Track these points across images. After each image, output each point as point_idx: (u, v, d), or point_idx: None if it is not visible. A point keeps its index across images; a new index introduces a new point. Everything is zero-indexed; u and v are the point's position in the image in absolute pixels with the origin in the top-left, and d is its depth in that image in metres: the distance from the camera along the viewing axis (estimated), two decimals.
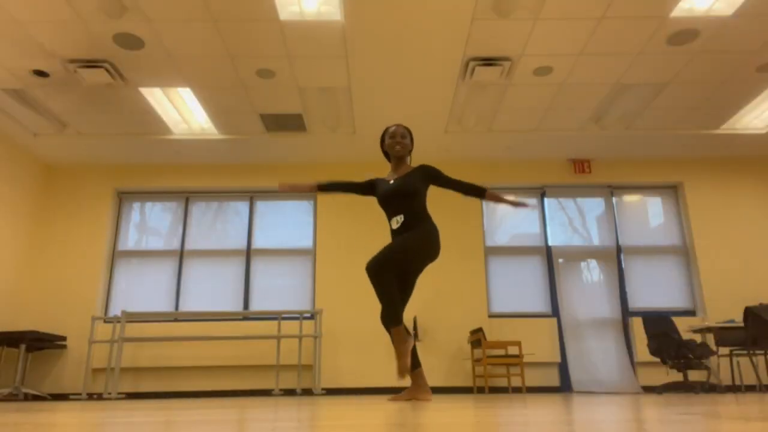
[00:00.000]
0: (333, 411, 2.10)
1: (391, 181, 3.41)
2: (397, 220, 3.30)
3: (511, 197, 3.39)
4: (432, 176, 3.39)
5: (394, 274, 3.15)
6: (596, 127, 6.60)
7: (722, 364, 6.58)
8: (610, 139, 6.85)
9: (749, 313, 5.24)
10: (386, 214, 3.41)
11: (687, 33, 4.85)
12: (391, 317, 3.09)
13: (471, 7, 4.49)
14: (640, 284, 7.08)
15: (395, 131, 3.48)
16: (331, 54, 5.11)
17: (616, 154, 7.29)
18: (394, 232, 3.34)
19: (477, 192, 3.35)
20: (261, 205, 7.42)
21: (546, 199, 7.44)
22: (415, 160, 7.36)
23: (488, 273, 7.13)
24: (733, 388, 6.35)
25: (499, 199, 3.34)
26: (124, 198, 7.45)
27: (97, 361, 6.53)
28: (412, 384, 3.24)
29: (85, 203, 7.19)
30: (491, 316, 6.90)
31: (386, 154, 3.57)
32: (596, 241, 7.21)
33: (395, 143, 3.45)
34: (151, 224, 7.34)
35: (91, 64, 5.14)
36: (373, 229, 7.11)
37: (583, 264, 7.09)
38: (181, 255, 7.17)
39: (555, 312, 6.95)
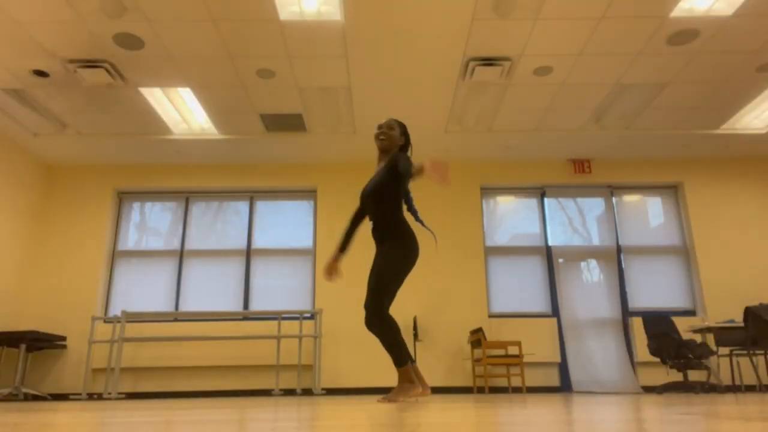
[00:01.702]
0: (333, 411, 2.10)
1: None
2: (372, 226, 3.16)
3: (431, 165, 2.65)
4: (392, 166, 3.07)
5: (390, 303, 3.05)
6: (596, 127, 6.60)
7: (722, 364, 6.58)
8: (610, 139, 6.85)
9: (749, 313, 5.24)
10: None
11: (687, 33, 4.85)
12: (402, 357, 2.94)
13: (471, 7, 4.49)
14: (640, 284, 7.08)
15: (382, 123, 3.27)
16: (331, 54, 5.11)
17: (616, 154, 7.29)
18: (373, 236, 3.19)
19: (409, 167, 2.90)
20: (261, 205, 7.42)
21: (546, 199, 7.44)
22: (415, 160, 7.36)
23: (488, 273, 7.13)
24: (733, 388, 6.35)
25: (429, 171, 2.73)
26: (124, 198, 7.45)
27: (97, 361, 6.53)
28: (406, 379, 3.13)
29: (85, 203, 7.20)
30: (491, 316, 6.90)
31: None
32: (596, 241, 7.21)
33: (379, 133, 3.22)
34: (151, 224, 7.34)
35: (91, 64, 5.14)
36: None
37: (583, 264, 7.09)
38: (181, 255, 7.17)
39: (555, 312, 6.95)
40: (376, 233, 3.14)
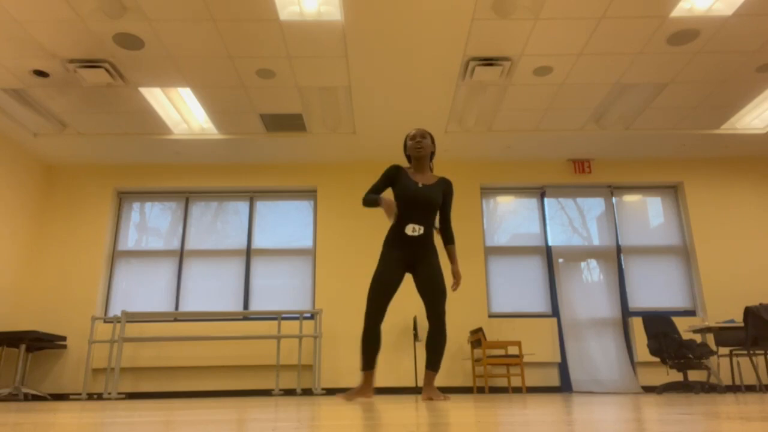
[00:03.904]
0: (333, 411, 2.10)
1: (420, 185, 3.38)
2: (415, 228, 3.30)
3: (458, 268, 3.45)
4: (447, 197, 3.48)
5: None
6: (596, 127, 6.60)
7: (722, 364, 6.59)
8: (610, 139, 6.85)
9: (749, 313, 5.24)
10: (403, 214, 3.33)
11: (687, 33, 4.85)
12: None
13: (471, 7, 4.49)
14: (640, 284, 7.08)
15: (416, 134, 3.47)
16: (331, 54, 5.11)
17: (616, 154, 7.29)
18: (405, 238, 3.31)
19: (447, 238, 3.49)
20: (261, 205, 7.42)
21: (546, 199, 7.44)
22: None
23: (488, 273, 7.13)
24: (733, 388, 6.35)
25: (452, 260, 3.46)
26: (124, 198, 7.45)
27: (97, 361, 6.53)
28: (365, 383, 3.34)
29: (85, 203, 7.20)
30: (491, 316, 6.91)
31: (409, 158, 3.56)
32: (596, 241, 7.21)
33: (416, 144, 3.44)
34: (151, 224, 7.34)
35: (91, 64, 5.15)
36: (373, 228, 7.11)
37: (583, 264, 7.09)
38: (181, 255, 7.17)
39: (555, 312, 6.95)
40: (421, 240, 3.33)
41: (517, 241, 7.27)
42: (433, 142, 3.54)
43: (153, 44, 4.91)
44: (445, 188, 3.45)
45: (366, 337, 3.24)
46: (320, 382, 6.47)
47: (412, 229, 3.29)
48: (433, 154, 3.54)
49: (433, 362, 3.30)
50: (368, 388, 3.30)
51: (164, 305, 6.97)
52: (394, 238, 3.34)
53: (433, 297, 3.28)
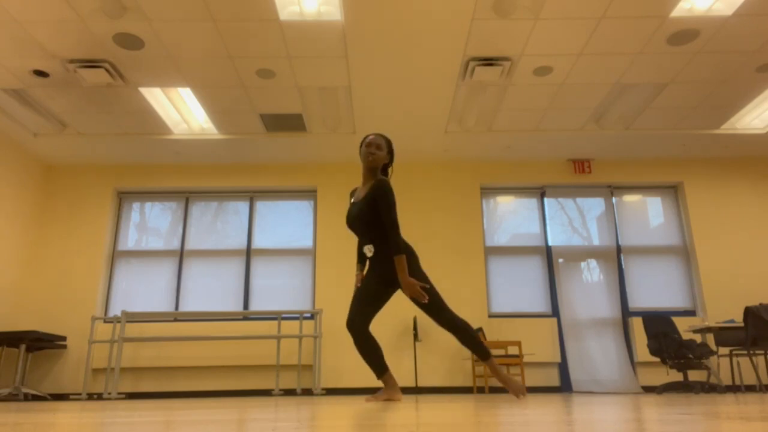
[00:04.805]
0: (333, 411, 2.10)
1: (352, 201, 3.27)
2: (370, 249, 3.16)
3: (405, 277, 3.00)
4: (377, 201, 3.08)
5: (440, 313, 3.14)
6: (596, 127, 6.60)
7: (722, 364, 6.59)
8: (610, 139, 6.85)
9: (749, 313, 5.24)
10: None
11: (687, 33, 4.85)
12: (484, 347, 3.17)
13: (471, 7, 4.49)
14: (640, 284, 7.08)
15: (371, 141, 3.24)
16: (331, 54, 5.11)
17: (616, 154, 7.29)
18: (369, 261, 3.22)
19: (395, 249, 3.02)
20: (261, 205, 7.42)
21: (546, 199, 7.44)
22: (415, 160, 7.36)
23: (488, 273, 7.13)
24: (733, 388, 6.35)
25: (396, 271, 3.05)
26: (124, 198, 7.45)
27: (97, 361, 6.53)
28: (386, 385, 3.20)
29: (85, 203, 7.20)
30: (491, 316, 6.90)
31: None
32: (596, 241, 7.21)
33: (368, 153, 3.22)
34: (151, 224, 7.34)
35: (91, 64, 5.14)
36: None
37: (583, 264, 7.09)
38: (181, 255, 7.17)
39: (555, 312, 6.95)
40: (377, 259, 3.16)
41: (517, 241, 7.27)
42: (390, 152, 3.31)
43: (153, 44, 4.91)
44: (370, 193, 3.10)
45: (356, 346, 3.17)
46: (320, 382, 6.47)
47: (369, 251, 3.16)
48: (385, 165, 3.32)
49: (476, 353, 3.14)
50: (392, 392, 3.14)
51: (164, 305, 6.97)
52: (361, 260, 3.36)
53: (426, 309, 3.10)
